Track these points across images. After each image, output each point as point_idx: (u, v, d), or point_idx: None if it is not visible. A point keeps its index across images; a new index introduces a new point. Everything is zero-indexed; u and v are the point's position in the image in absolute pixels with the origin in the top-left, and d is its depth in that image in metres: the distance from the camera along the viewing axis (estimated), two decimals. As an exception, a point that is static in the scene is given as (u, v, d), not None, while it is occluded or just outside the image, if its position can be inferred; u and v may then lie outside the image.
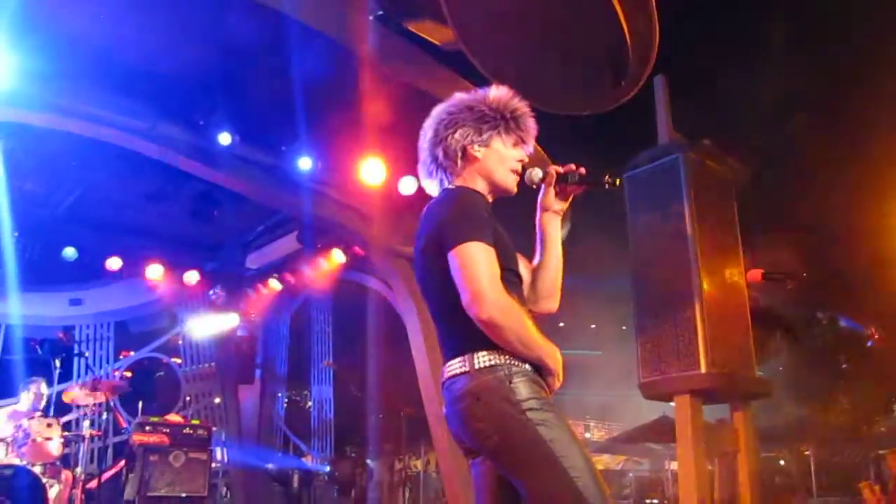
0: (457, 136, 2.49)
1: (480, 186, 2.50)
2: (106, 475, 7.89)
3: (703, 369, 6.31)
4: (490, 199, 2.53)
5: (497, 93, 2.53)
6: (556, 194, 2.62)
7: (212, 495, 8.09)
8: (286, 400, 12.70)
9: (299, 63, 5.90)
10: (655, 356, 6.66)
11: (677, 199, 6.69)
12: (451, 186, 2.50)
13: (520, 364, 2.25)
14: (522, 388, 2.21)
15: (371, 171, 7.15)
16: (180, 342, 11.54)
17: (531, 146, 2.58)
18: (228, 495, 10.30)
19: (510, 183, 2.55)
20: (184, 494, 7.17)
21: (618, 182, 2.57)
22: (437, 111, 2.57)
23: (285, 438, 12.17)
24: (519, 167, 2.55)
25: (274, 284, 10.33)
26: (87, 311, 11.10)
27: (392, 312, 8.82)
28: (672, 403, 6.88)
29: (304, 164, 7.28)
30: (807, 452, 13.94)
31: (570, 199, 2.64)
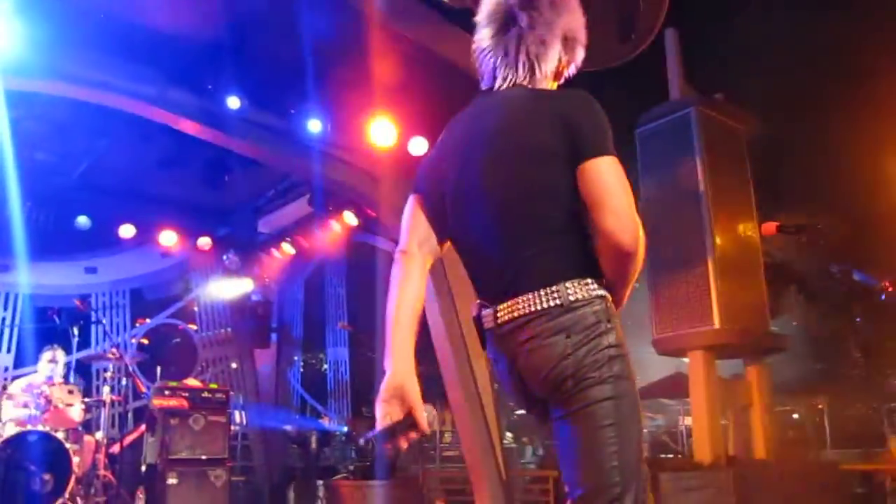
0: (579, 38, 2.22)
1: None
2: (127, 440, 8.02)
3: (716, 325, 6.34)
4: None
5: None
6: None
7: (231, 457, 8.20)
8: (302, 363, 12.81)
9: (307, 24, 5.85)
10: (669, 312, 6.69)
11: (689, 154, 6.67)
12: (557, 81, 2.20)
13: (611, 301, 1.99)
14: (617, 330, 1.95)
15: (381, 131, 7.12)
16: (196, 308, 11.62)
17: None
18: (248, 457, 10.46)
19: None
20: (204, 457, 7.27)
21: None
22: None
23: (302, 401, 12.29)
24: None
25: (287, 248, 10.36)
26: (103, 279, 11.19)
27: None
28: (686, 359, 6.92)
29: (314, 126, 7.26)
30: (820, 406, 13.99)
31: None
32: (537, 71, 2.15)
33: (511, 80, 2.17)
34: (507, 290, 2.01)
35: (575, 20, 2.21)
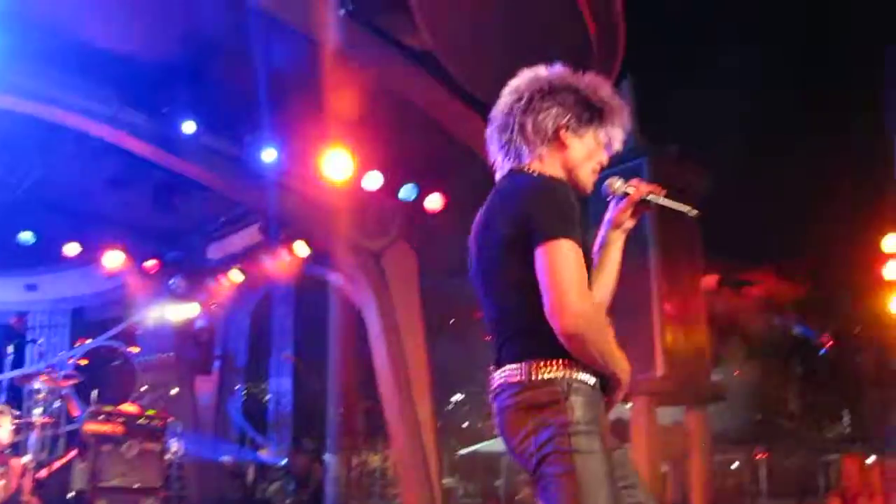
0: (553, 112, 2.24)
1: (556, 174, 2.25)
2: (56, 464, 7.76)
3: (659, 372, 6.39)
4: None
5: (602, 83, 2.31)
6: (632, 213, 2.46)
7: (165, 487, 7.99)
8: (244, 392, 12.60)
9: (266, 53, 5.85)
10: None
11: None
12: (531, 171, 2.24)
13: (582, 379, 2.07)
14: (577, 409, 2.02)
15: (336, 165, 7.13)
16: (139, 331, 11.37)
17: (614, 151, 2.38)
18: (182, 487, 10.19)
19: (590, 183, 2.35)
20: (137, 485, 7.08)
21: (696, 213, 2.48)
22: (533, 77, 2.29)
23: (242, 431, 12.07)
24: (599, 169, 2.36)
25: (235, 276, 10.23)
26: (43, 296, 10.92)
27: (353, 307, 8.79)
28: (627, 405, 6.96)
29: (269, 155, 7.23)
30: (758, 456, 14.17)
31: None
32: (525, 156, 2.28)
33: (504, 168, 2.33)
34: (497, 360, 2.19)
35: (564, 109, 2.27)
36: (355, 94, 6.13)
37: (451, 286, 8.10)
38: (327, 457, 10.57)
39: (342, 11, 6.06)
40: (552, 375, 2.05)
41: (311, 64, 5.92)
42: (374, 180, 7.32)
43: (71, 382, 8.40)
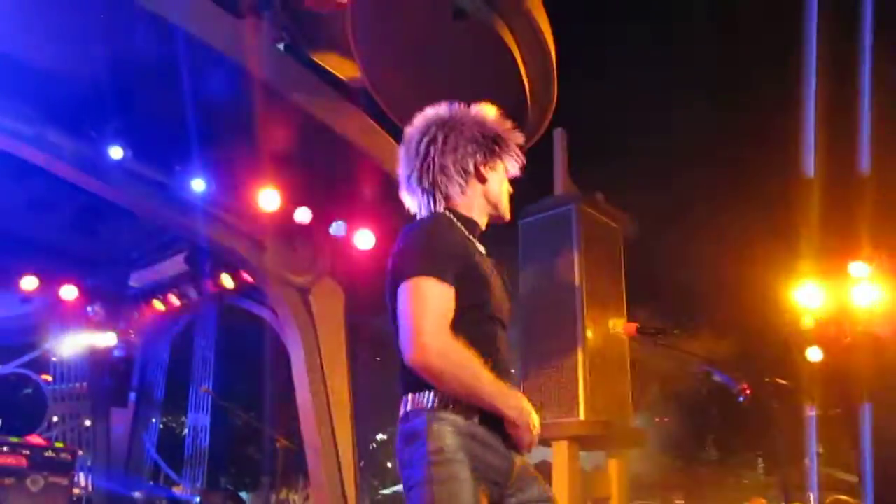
0: (470, 149, 2.34)
1: (478, 208, 2.38)
2: (-46, 498, 7.38)
3: (581, 416, 6.45)
4: (484, 224, 2.41)
5: (492, 112, 2.41)
6: None
7: (71, 523, 7.66)
8: (160, 426, 12.22)
9: (198, 83, 5.79)
10: (537, 402, 6.74)
11: (568, 248, 6.86)
12: (437, 210, 2.33)
13: (451, 410, 2.11)
14: (441, 439, 2.08)
15: (266, 197, 7.06)
16: (52, 359, 10.97)
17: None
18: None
19: (508, 210, 2.47)
20: (40, 522, 6.77)
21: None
22: (434, 119, 2.37)
23: (156, 466, 11.69)
24: (510, 195, 2.48)
25: (157, 305, 9.98)
26: (-49, 320, 10.43)
27: (278, 341, 8.66)
28: (550, 448, 6.99)
29: (198, 185, 7.11)
30: (677, 501, 14.38)
31: None
32: (454, 195, 2.36)
33: (430, 209, 2.38)
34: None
35: (477, 145, 2.36)
36: (287, 128, 6.10)
37: (377, 324, 8.06)
38: (244, 494, 10.31)
39: (280, 46, 6.07)
40: (419, 407, 2.14)
41: (243, 96, 5.89)
42: (303, 215, 7.25)
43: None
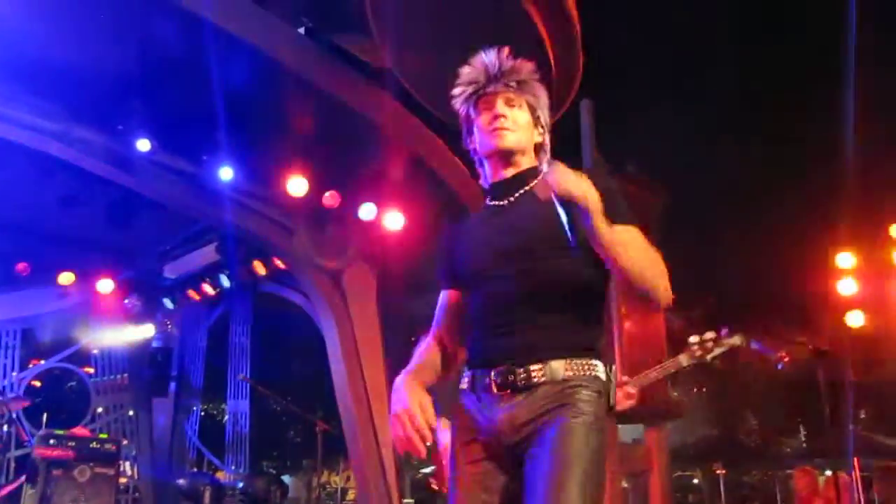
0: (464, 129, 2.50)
1: (489, 168, 2.43)
2: (5, 491, 7.55)
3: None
4: (500, 174, 2.38)
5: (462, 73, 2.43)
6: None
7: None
8: (201, 413, 12.38)
9: (223, 71, 5.77)
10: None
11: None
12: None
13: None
14: None
15: (294, 183, 7.06)
16: (93, 352, 11.14)
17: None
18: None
19: (494, 133, 2.34)
20: (89, 510, 6.90)
21: None
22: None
23: (199, 453, 11.86)
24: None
25: (192, 295, 10.08)
26: (-7, 317, 10.61)
27: (312, 326, 8.71)
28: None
29: (226, 173, 7.13)
30: (718, 472, 14.34)
31: None
32: None
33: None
34: None
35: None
36: (313, 112, 6.09)
37: (410, 305, 8.06)
38: (286, 478, 10.43)
39: (301, 29, 6.04)
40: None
41: (268, 82, 5.87)
42: (332, 199, 7.25)
43: (21, 405, 8.20)
